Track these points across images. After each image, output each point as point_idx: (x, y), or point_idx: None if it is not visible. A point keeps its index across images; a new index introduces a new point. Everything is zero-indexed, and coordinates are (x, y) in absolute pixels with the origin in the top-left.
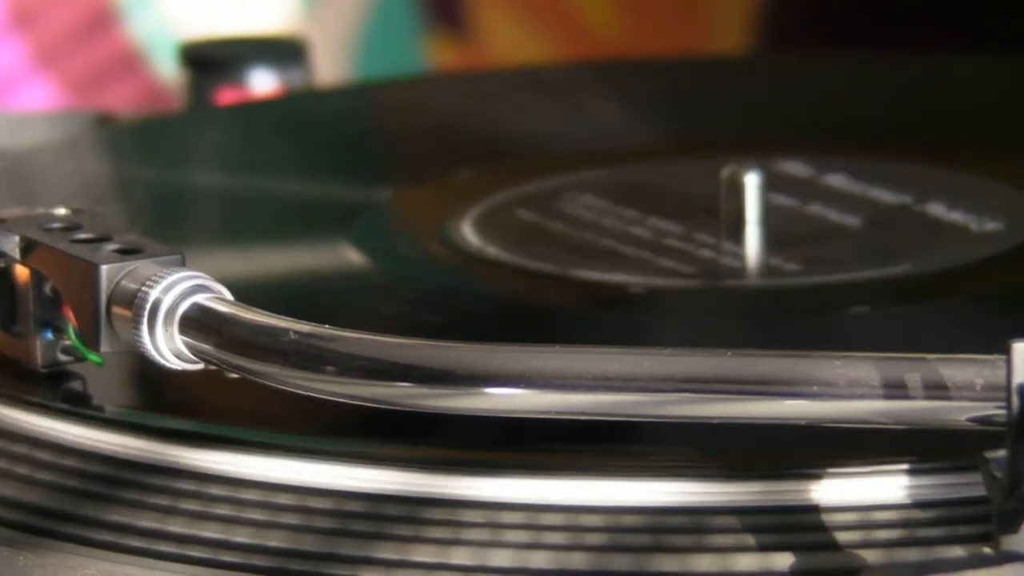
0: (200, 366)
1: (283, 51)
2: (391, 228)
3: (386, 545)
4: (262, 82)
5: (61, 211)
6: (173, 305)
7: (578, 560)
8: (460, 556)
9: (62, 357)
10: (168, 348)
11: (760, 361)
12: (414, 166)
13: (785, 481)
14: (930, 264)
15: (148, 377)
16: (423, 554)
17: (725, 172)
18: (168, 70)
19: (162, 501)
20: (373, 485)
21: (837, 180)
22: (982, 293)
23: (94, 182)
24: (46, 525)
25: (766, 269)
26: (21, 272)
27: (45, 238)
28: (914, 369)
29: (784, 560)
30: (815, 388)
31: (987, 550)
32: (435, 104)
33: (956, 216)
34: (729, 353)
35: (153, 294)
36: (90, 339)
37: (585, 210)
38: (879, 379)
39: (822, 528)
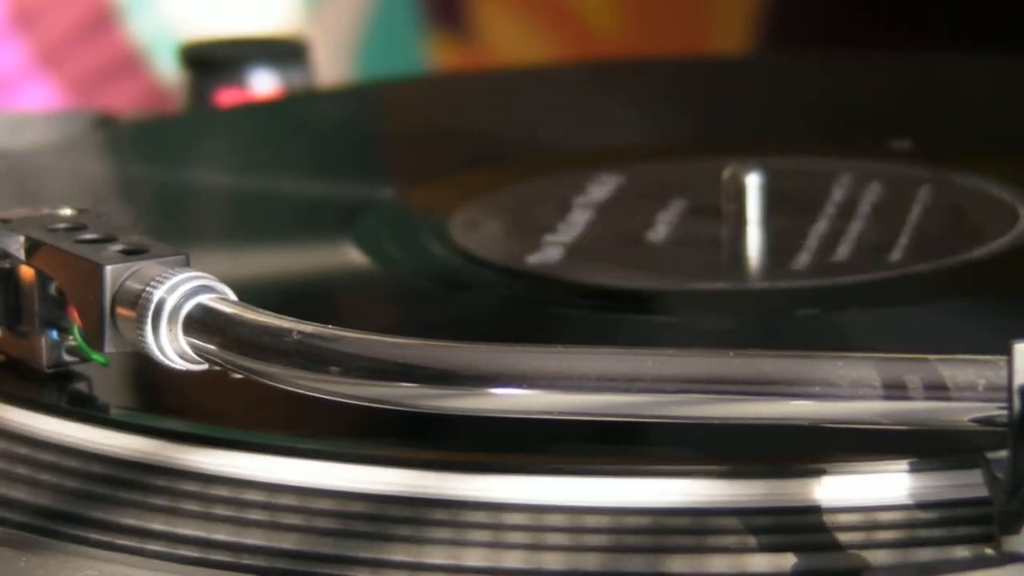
0: (204, 367)
1: (284, 51)
2: (392, 228)
3: (388, 546)
4: (263, 83)
5: (66, 211)
6: (177, 305)
7: (580, 560)
8: (462, 557)
9: (67, 357)
10: (172, 348)
11: (762, 361)
12: (415, 166)
13: (786, 482)
14: (930, 264)
15: (152, 378)
16: (424, 555)
17: (725, 172)
18: (169, 70)
19: (165, 502)
20: (376, 486)
21: (837, 180)
22: (982, 293)
23: (95, 182)
24: (48, 526)
25: (767, 269)
26: (26, 272)
27: (50, 238)
28: (915, 370)
29: (785, 560)
30: (817, 388)
31: (989, 551)
32: (435, 104)
33: (956, 215)
34: (731, 354)
35: (157, 294)
36: (94, 339)
37: (585, 210)
38: (880, 380)
39: (823, 529)
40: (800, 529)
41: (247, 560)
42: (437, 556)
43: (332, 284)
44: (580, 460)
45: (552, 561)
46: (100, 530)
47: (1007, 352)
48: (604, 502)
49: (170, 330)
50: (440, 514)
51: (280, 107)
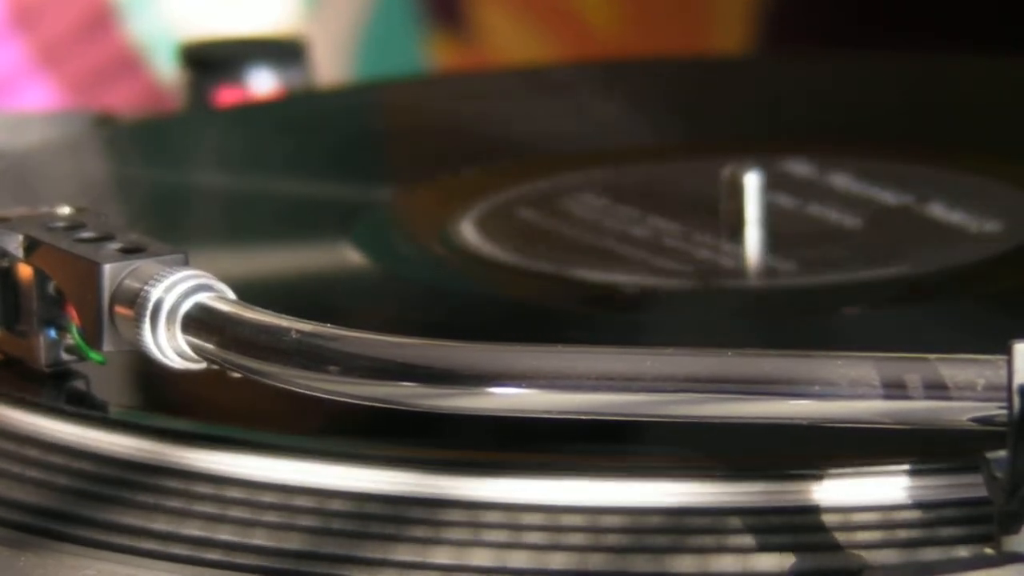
0: (202, 365)
1: (283, 51)
2: (392, 228)
3: (388, 546)
4: (262, 82)
5: (64, 210)
6: (175, 304)
7: (578, 561)
8: (447, 556)
9: (65, 356)
10: (171, 347)
11: (762, 361)
12: (414, 166)
13: (785, 482)
14: (930, 264)
15: (151, 377)
16: (435, 555)
17: (725, 172)
18: (168, 70)
19: (164, 501)
20: (376, 486)
21: (837, 180)
22: (982, 293)
23: (94, 182)
24: (47, 525)
25: (766, 269)
26: (24, 271)
27: (48, 237)
28: (915, 369)
29: (784, 560)
30: (816, 388)
31: (988, 551)
32: (435, 104)
33: (956, 216)
34: (731, 353)
35: (155, 293)
36: (93, 338)
37: (585, 210)
38: (880, 379)
39: (822, 529)
40: (799, 529)
41: (247, 560)
42: (437, 556)
43: (331, 284)
44: (577, 460)
45: (550, 561)
46: (98, 529)
47: (1007, 352)
48: (600, 502)
49: (168, 329)
50: (436, 514)
51: (280, 107)
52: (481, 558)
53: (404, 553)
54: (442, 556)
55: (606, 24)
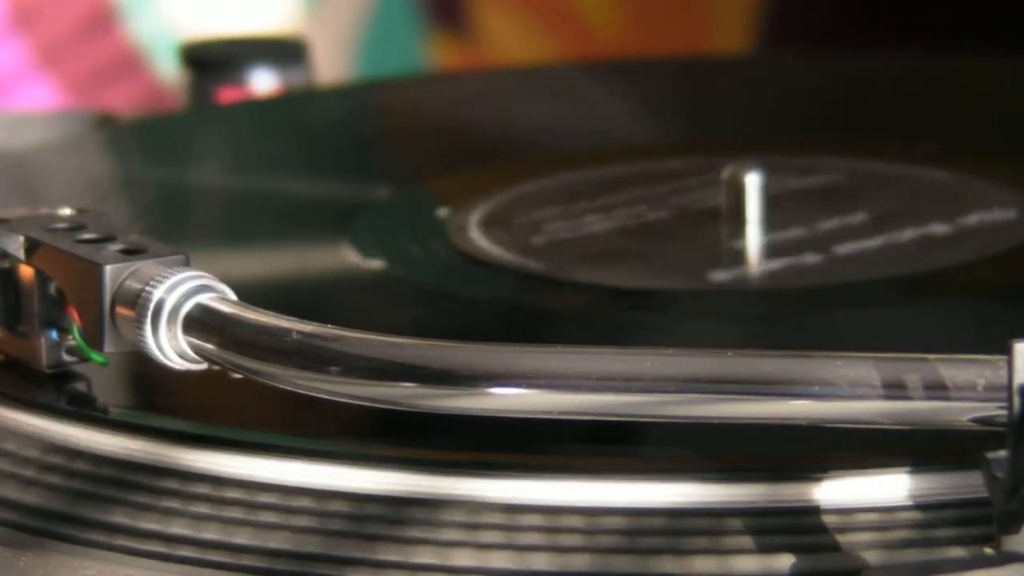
0: (203, 366)
1: (284, 51)
2: (391, 228)
3: (388, 547)
4: (263, 82)
5: (65, 211)
6: (176, 305)
7: (579, 562)
8: (461, 558)
9: (66, 357)
10: (172, 348)
11: (761, 361)
12: (414, 166)
13: (785, 482)
14: (929, 264)
15: (152, 377)
16: (424, 556)
17: (725, 172)
18: (169, 70)
19: (164, 502)
20: (375, 486)
21: (836, 180)
22: (982, 293)
23: (95, 182)
24: (47, 525)
25: (766, 269)
26: (25, 272)
27: (49, 238)
28: (915, 369)
29: (784, 561)
30: (816, 388)
31: (988, 551)
32: (435, 104)
33: (956, 215)
34: (730, 353)
35: (157, 294)
36: (94, 339)
37: (585, 210)
38: (880, 379)
39: (822, 529)
40: (799, 529)
41: (246, 560)
42: (432, 556)
43: (331, 284)
44: (576, 460)
45: (548, 563)
46: (99, 530)
47: (1007, 352)
48: (601, 503)
49: (169, 329)
50: (436, 514)
51: (279, 106)
52: (471, 558)
53: (408, 554)
54: (427, 556)
55: (606, 24)
